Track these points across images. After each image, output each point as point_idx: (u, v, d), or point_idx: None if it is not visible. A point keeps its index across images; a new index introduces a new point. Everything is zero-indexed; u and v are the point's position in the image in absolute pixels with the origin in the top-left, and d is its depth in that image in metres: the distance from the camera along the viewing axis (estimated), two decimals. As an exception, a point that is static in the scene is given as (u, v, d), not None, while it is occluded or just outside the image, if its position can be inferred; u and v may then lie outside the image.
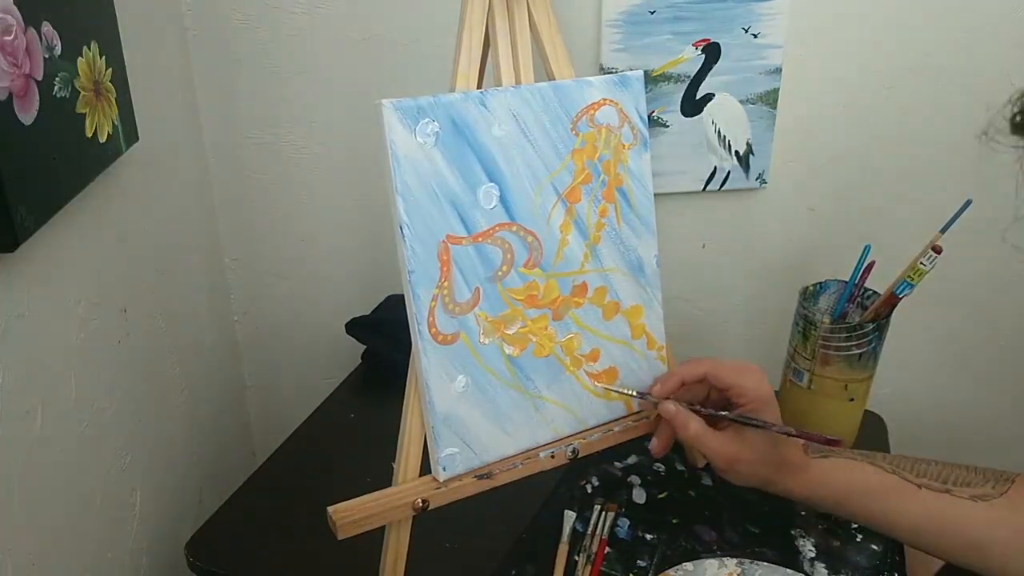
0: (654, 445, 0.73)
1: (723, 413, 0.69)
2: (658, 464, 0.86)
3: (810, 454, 0.68)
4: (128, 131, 0.83)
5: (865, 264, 0.85)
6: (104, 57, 0.77)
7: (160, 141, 0.94)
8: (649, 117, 0.93)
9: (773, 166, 0.96)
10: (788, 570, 0.71)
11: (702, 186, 0.97)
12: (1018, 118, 0.42)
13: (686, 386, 0.71)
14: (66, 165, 0.71)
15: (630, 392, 0.73)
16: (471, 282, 0.65)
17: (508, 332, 0.68)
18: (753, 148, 0.95)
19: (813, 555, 0.74)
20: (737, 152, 0.95)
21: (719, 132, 0.94)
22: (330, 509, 0.64)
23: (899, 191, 0.96)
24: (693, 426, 0.68)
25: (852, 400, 0.85)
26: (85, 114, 0.73)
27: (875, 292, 0.85)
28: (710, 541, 0.76)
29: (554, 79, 0.70)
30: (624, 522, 0.77)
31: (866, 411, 0.89)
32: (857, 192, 0.97)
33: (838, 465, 0.66)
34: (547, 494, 0.82)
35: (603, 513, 0.78)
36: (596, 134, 0.71)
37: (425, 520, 0.67)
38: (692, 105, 0.93)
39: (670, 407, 0.69)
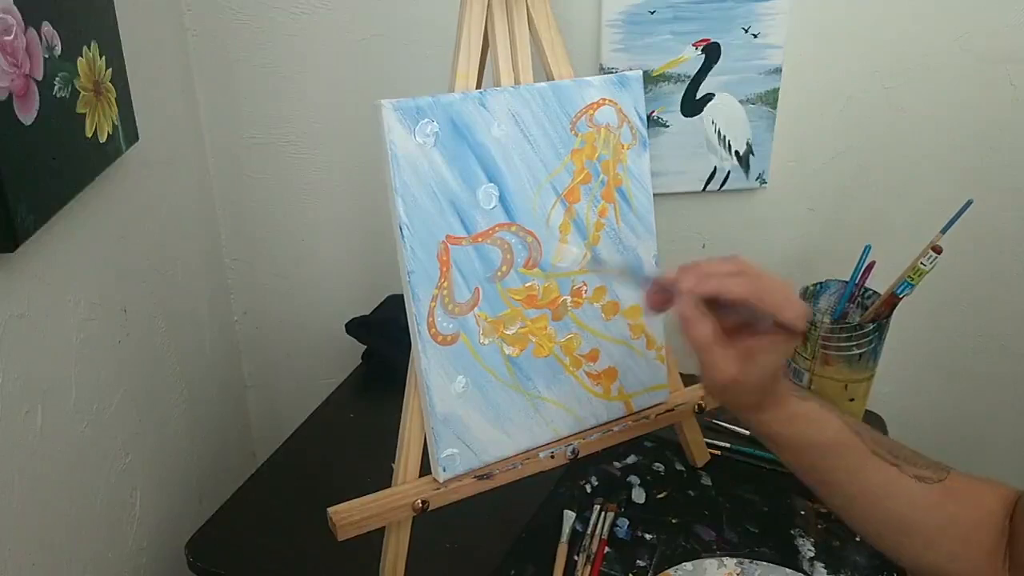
0: (652, 299, 0.62)
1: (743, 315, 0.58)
2: (657, 464, 0.86)
3: (791, 392, 0.63)
4: (128, 131, 0.83)
5: (865, 264, 0.85)
6: (104, 57, 0.77)
7: (160, 141, 0.94)
8: (649, 117, 0.93)
9: (773, 166, 0.96)
10: (788, 570, 0.71)
11: (702, 186, 0.97)
12: None
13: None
14: (66, 165, 0.71)
15: (638, 277, 0.65)
16: (471, 282, 0.65)
17: (508, 332, 0.68)
18: (753, 148, 0.95)
19: (812, 555, 0.74)
20: (737, 152, 0.95)
21: (719, 132, 0.94)
22: (330, 510, 0.64)
23: (899, 191, 0.96)
24: (703, 332, 0.57)
25: (852, 400, 0.85)
26: (85, 114, 0.73)
27: (875, 292, 0.85)
28: (709, 541, 0.76)
29: (553, 79, 0.70)
30: (623, 522, 0.77)
31: (866, 411, 0.89)
32: (857, 192, 0.97)
33: (811, 410, 0.62)
34: (547, 494, 0.82)
35: (602, 513, 0.78)
36: (595, 134, 0.71)
37: (425, 520, 0.67)
38: (692, 105, 0.93)
39: (689, 305, 0.57)
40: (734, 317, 0.60)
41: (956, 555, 0.60)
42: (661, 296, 0.60)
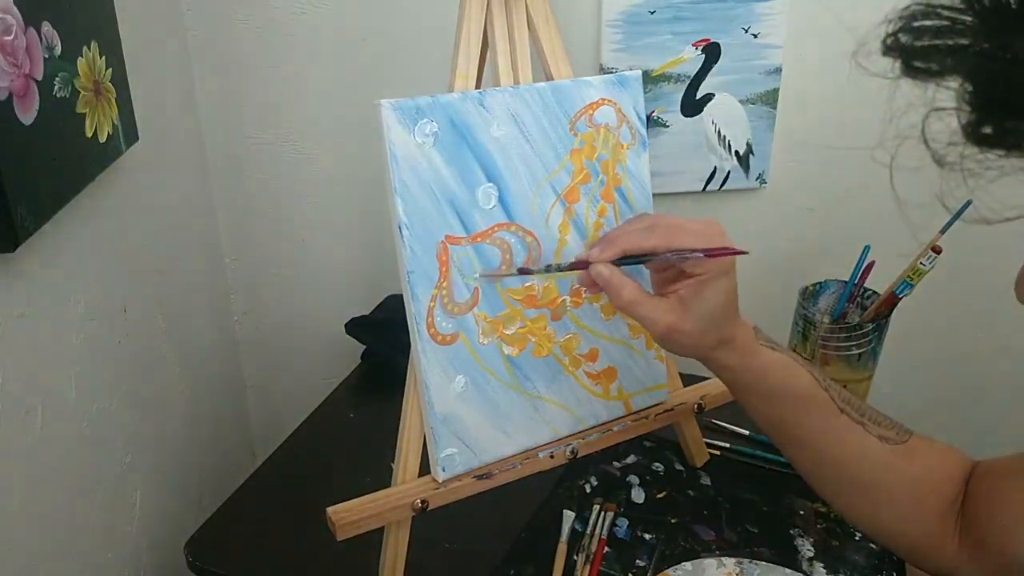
0: (582, 278, 0.65)
1: (646, 258, 0.61)
2: (657, 464, 0.86)
3: (759, 340, 0.64)
4: (128, 131, 0.83)
5: (865, 264, 0.85)
6: (104, 57, 0.77)
7: (160, 141, 0.94)
8: (649, 117, 0.93)
9: (773, 166, 0.96)
10: (787, 570, 0.71)
11: (702, 186, 0.97)
12: (890, 39, 0.39)
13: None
14: (66, 165, 0.71)
15: (557, 265, 0.66)
16: (470, 282, 0.65)
17: (507, 332, 0.68)
18: (753, 148, 0.95)
19: (812, 555, 0.74)
20: (737, 152, 0.95)
21: (719, 132, 0.94)
22: (329, 510, 0.64)
23: (899, 191, 0.96)
24: (626, 293, 0.60)
25: (852, 400, 0.85)
26: (85, 114, 0.73)
27: (875, 292, 0.85)
28: (709, 541, 0.76)
29: (552, 79, 0.70)
30: (623, 522, 0.78)
31: (866, 411, 0.89)
32: (857, 192, 0.97)
33: (782, 362, 0.63)
34: (546, 494, 0.82)
35: (602, 513, 0.78)
36: (595, 134, 0.71)
37: (425, 520, 0.67)
38: (692, 105, 0.93)
39: (603, 271, 0.61)
40: (669, 270, 0.63)
41: (909, 516, 0.60)
42: (589, 276, 0.62)
